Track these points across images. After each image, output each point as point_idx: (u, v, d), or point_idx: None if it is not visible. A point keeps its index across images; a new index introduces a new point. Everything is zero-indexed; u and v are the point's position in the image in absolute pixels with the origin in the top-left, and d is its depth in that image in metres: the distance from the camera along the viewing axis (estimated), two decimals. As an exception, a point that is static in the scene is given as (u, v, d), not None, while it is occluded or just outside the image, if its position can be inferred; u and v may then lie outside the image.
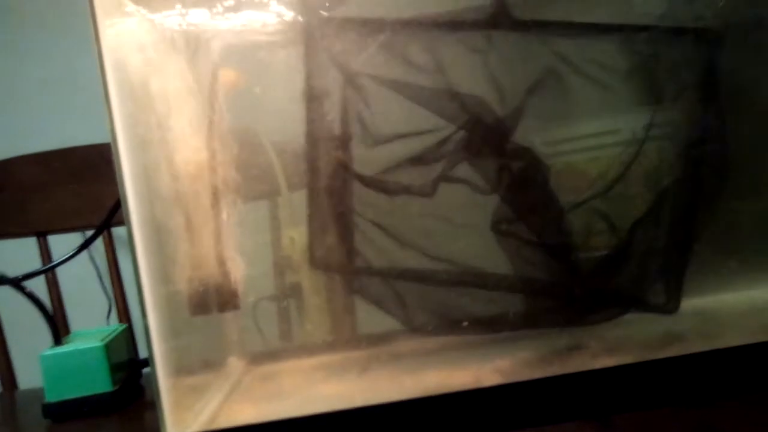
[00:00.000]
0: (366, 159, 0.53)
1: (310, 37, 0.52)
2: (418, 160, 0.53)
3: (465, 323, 0.52)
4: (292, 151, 0.55)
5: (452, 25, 0.52)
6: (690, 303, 0.52)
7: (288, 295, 0.57)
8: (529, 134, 0.53)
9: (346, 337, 0.57)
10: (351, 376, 0.53)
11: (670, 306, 0.52)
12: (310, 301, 0.57)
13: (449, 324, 0.53)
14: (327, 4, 0.51)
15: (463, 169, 0.52)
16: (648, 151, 0.53)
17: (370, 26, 0.52)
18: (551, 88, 0.52)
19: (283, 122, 0.55)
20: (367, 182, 0.53)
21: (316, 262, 0.54)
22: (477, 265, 0.53)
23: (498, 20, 0.51)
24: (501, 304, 0.53)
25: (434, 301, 0.53)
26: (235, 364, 0.58)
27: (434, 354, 0.53)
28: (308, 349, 0.56)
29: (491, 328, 0.52)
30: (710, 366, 0.44)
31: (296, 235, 0.56)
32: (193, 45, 0.54)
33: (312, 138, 0.53)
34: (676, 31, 0.53)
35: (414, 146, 0.53)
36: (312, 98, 0.53)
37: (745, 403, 0.42)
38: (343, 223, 0.54)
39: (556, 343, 0.50)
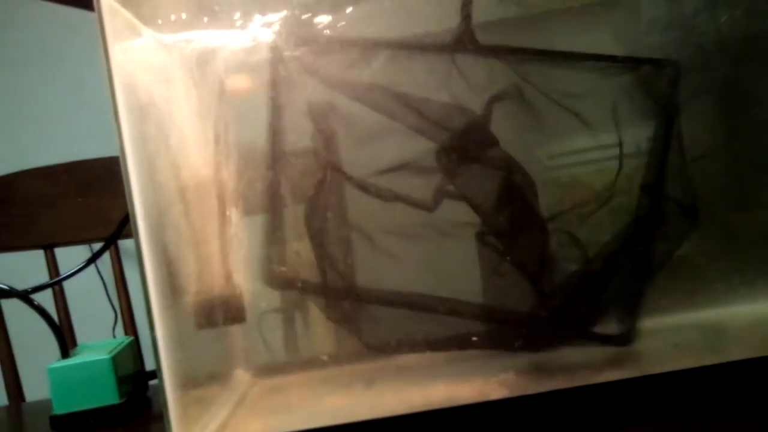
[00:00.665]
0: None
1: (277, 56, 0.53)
2: (405, 167, 0.53)
3: (474, 338, 0.52)
4: (296, 165, 0.55)
5: (416, 46, 0.53)
6: (693, 316, 0.52)
7: (293, 307, 0.58)
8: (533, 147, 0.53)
9: (351, 350, 0.57)
10: (357, 389, 0.53)
11: (625, 337, 0.51)
12: (316, 313, 0.58)
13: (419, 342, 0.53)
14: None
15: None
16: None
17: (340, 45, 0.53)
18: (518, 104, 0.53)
19: (289, 136, 0.56)
20: (364, 187, 0.53)
21: (269, 280, 0.54)
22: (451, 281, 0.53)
23: (462, 44, 0.52)
24: (464, 325, 0.53)
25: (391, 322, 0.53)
26: (241, 376, 0.58)
27: (440, 367, 0.53)
28: (314, 362, 0.56)
29: (449, 346, 0.52)
30: (714, 380, 0.44)
31: (301, 248, 0.57)
32: (200, 63, 0.54)
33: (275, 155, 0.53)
34: (638, 60, 0.53)
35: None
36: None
37: (749, 417, 0.42)
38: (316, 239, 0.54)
39: (564, 358, 0.50)
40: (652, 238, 0.52)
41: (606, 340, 0.51)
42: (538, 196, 0.52)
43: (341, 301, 0.53)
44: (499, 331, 0.52)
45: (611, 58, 0.53)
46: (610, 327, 0.51)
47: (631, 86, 0.53)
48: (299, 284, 0.54)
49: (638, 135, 0.53)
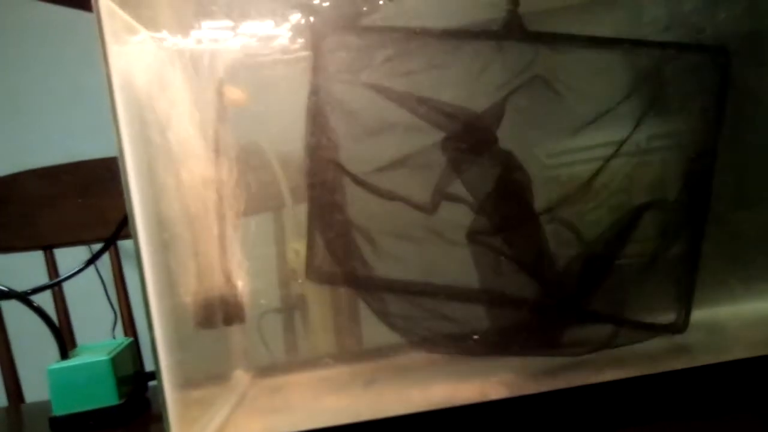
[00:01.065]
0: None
1: (316, 46, 0.52)
2: (409, 161, 0.53)
3: (475, 336, 0.52)
4: (295, 165, 0.55)
5: (463, 35, 0.52)
6: (694, 315, 0.52)
7: (293, 307, 0.58)
8: (531, 146, 0.53)
9: (351, 350, 0.57)
10: (357, 389, 0.53)
11: (679, 325, 0.51)
12: (316, 314, 0.58)
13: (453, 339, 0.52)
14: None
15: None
16: (649, 162, 0.53)
17: (379, 35, 0.52)
18: (543, 96, 0.52)
19: (287, 137, 0.56)
20: (365, 185, 0.53)
21: (313, 275, 0.54)
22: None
23: (510, 31, 0.51)
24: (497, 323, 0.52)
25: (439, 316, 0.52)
26: (241, 376, 0.58)
27: (440, 367, 0.53)
28: (314, 362, 0.56)
29: (472, 351, 0.52)
30: (715, 379, 0.44)
31: (301, 248, 0.56)
32: (199, 62, 0.54)
33: (311, 148, 0.53)
34: (685, 46, 0.52)
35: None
36: (315, 107, 0.53)
37: (750, 416, 0.42)
38: (345, 235, 0.53)
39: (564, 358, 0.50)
40: (701, 229, 0.51)
41: (659, 329, 0.50)
42: (532, 193, 0.52)
43: (386, 295, 0.52)
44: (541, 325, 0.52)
45: (659, 44, 0.52)
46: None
47: (676, 75, 0.52)
48: (344, 278, 0.53)
49: (678, 124, 0.53)
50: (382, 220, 0.53)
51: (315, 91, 0.52)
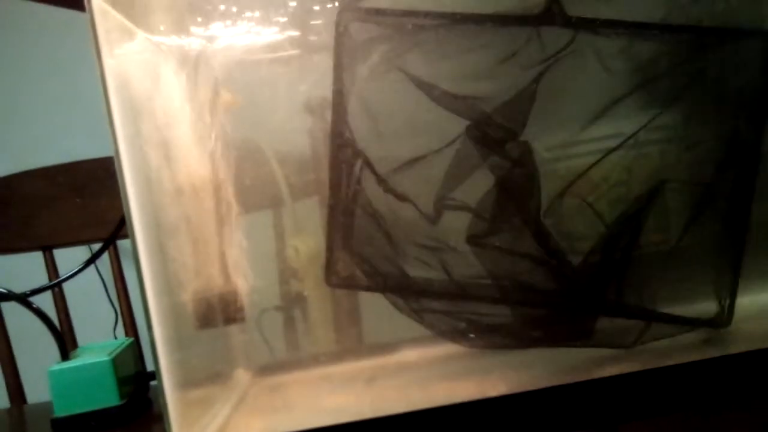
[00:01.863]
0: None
1: (339, 35, 0.51)
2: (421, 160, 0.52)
3: (471, 335, 0.51)
4: (293, 162, 0.55)
5: (501, 20, 0.51)
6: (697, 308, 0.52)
7: (293, 305, 0.58)
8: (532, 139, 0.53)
9: (352, 348, 0.57)
10: (358, 388, 0.53)
11: (722, 319, 0.49)
12: (316, 311, 0.57)
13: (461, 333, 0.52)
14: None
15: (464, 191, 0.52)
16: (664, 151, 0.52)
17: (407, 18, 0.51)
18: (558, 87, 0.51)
19: (284, 134, 0.56)
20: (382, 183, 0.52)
21: (333, 280, 0.53)
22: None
23: (550, 17, 0.50)
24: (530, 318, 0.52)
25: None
26: (241, 376, 0.58)
27: (440, 364, 0.53)
28: (314, 360, 0.56)
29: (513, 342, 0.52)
30: (718, 372, 0.44)
31: (300, 245, 0.56)
32: (194, 62, 0.54)
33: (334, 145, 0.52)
34: (731, 30, 0.51)
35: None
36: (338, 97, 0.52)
37: (752, 409, 0.42)
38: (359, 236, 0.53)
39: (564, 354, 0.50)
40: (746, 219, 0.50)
41: (701, 323, 0.49)
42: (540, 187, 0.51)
43: (416, 297, 0.51)
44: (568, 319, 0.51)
45: (709, 31, 0.51)
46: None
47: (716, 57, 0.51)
48: (364, 283, 0.53)
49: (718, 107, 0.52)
50: (408, 220, 0.53)
51: (339, 84, 0.51)
